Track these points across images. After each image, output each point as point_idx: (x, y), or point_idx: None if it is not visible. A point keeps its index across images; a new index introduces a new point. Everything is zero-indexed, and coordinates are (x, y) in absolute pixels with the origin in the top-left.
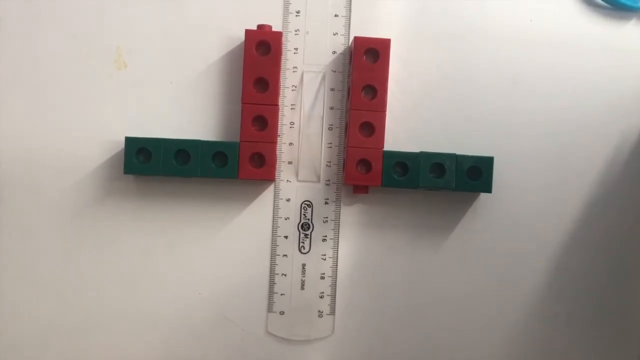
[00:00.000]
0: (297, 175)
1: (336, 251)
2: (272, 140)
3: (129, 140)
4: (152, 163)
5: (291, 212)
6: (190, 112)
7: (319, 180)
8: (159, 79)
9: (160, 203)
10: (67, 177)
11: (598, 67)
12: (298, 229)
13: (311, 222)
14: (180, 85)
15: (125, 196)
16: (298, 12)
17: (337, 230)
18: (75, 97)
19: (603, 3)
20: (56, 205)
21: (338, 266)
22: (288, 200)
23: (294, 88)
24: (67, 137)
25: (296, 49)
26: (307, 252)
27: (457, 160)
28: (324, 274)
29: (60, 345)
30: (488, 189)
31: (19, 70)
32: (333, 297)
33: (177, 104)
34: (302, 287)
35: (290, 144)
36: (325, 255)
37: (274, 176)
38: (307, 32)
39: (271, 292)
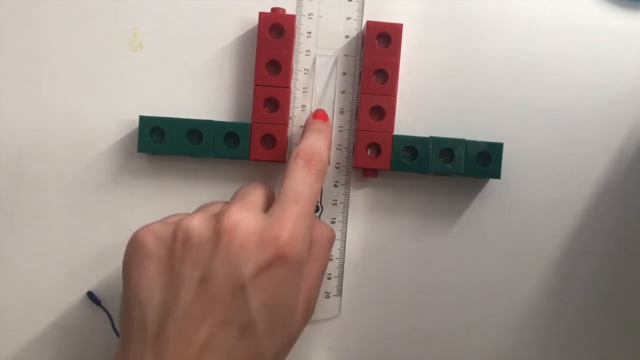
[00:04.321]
0: None
1: (344, 233)
2: (284, 122)
3: (142, 119)
4: (165, 142)
5: None
6: (203, 93)
7: (328, 163)
8: (174, 61)
9: (172, 182)
10: (82, 155)
11: (611, 57)
12: None
13: (320, 204)
14: (195, 66)
15: (138, 174)
16: None
17: (345, 212)
18: (91, 77)
19: None
20: (71, 181)
21: (346, 248)
22: None
23: (306, 71)
24: (83, 116)
25: (309, 32)
26: None
27: (466, 145)
28: (332, 255)
29: (71, 322)
30: (497, 175)
31: (38, 50)
32: (340, 278)
33: (191, 85)
34: None
35: (302, 126)
36: None
37: (285, 158)
38: (321, 16)
39: None
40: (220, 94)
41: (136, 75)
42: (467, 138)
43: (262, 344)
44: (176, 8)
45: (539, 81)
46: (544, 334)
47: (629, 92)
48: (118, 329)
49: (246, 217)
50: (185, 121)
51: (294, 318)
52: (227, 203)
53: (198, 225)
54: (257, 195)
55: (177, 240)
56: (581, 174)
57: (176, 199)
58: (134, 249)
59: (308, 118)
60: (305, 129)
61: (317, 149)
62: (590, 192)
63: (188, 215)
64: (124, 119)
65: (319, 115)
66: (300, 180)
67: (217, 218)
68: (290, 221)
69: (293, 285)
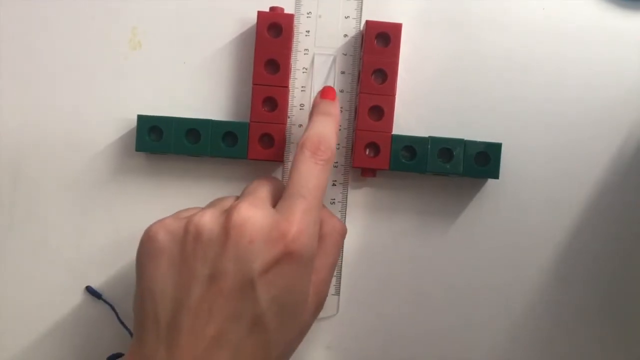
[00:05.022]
0: None
1: None
2: (282, 122)
3: (141, 118)
4: (163, 141)
5: None
6: (202, 92)
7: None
8: (173, 60)
9: (171, 181)
10: (81, 153)
11: (611, 57)
12: None
13: None
14: (193, 65)
15: (136, 173)
16: None
17: (344, 212)
18: (90, 76)
19: None
20: (69, 180)
21: (344, 247)
22: None
23: (304, 70)
24: (81, 115)
25: (308, 31)
26: None
27: (465, 145)
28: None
29: (71, 319)
30: (495, 175)
31: (37, 50)
32: (338, 277)
33: (189, 84)
34: None
35: (300, 125)
36: None
37: (283, 157)
38: (319, 15)
39: None
40: (218, 93)
41: (135, 74)
42: (466, 138)
43: (272, 337)
44: (175, 7)
45: (539, 81)
46: (544, 334)
47: (628, 92)
48: (125, 321)
49: (255, 214)
50: (183, 120)
51: (303, 312)
52: (237, 198)
53: (209, 221)
54: (266, 190)
55: (188, 236)
56: (580, 174)
57: (174, 198)
58: (147, 244)
59: (315, 98)
60: (312, 111)
61: (323, 136)
62: (590, 192)
63: (200, 210)
64: (122, 118)
65: (326, 93)
66: (307, 173)
67: (227, 214)
68: (297, 217)
69: (302, 280)
